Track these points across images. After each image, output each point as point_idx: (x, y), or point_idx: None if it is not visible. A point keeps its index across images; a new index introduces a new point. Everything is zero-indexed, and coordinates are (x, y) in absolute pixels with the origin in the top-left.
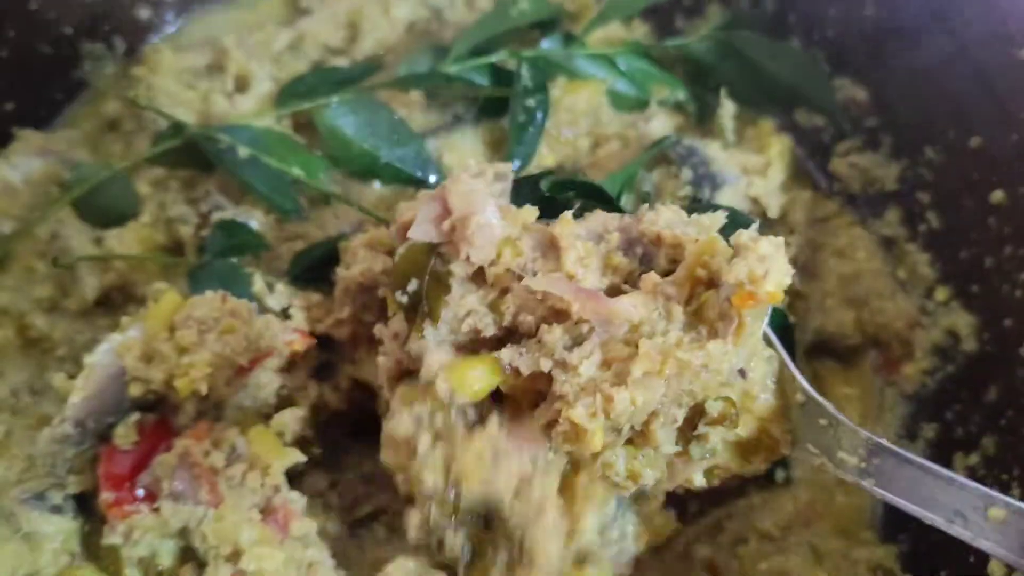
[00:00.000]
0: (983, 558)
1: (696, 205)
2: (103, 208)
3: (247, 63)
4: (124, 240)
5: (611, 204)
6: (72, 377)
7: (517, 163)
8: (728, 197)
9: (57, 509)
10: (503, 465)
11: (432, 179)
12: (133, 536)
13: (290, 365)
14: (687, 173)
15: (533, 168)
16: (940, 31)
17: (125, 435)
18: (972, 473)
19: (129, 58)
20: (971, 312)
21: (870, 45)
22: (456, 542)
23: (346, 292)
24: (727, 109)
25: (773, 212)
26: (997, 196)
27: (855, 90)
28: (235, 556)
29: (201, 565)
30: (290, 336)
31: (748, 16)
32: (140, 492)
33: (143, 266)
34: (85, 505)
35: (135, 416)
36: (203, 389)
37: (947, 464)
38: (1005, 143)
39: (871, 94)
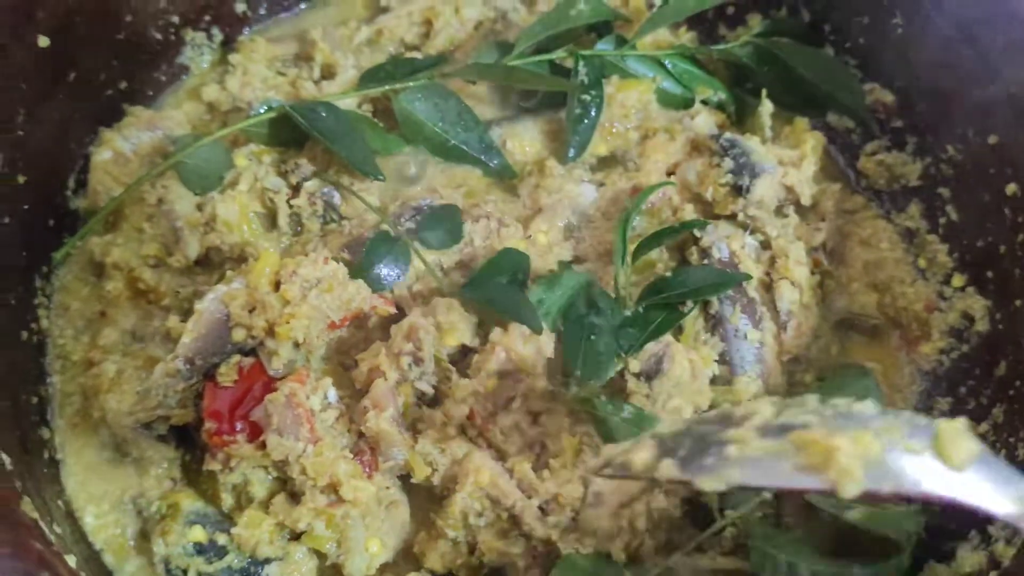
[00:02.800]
0: None
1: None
2: (202, 172)
3: (332, 53)
4: (224, 206)
5: None
6: (183, 321)
7: (573, 151)
8: (766, 184)
9: (162, 438)
10: None
11: (494, 162)
12: (230, 464)
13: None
14: (728, 163)
15: (587, 155)
16: (963, 40)
17: (226, 374)
18: (983, 439)
19: (226, 47)
20: (985, 296)
21: (898, 53)
22: None
23: None
24: (766, 107)
25: (806, 200)
26: (1011, 188)
27: (883, 94)
28: (330, 488)
29: (293, 495)
30: (376, 301)
31: (786, 25)
32: (239, 425)
33: (239, 230)
34: (187, 438)
35: (236, 358)
36: (300, 337)
37: None
38: (1020, 140)
39: (898, 98)
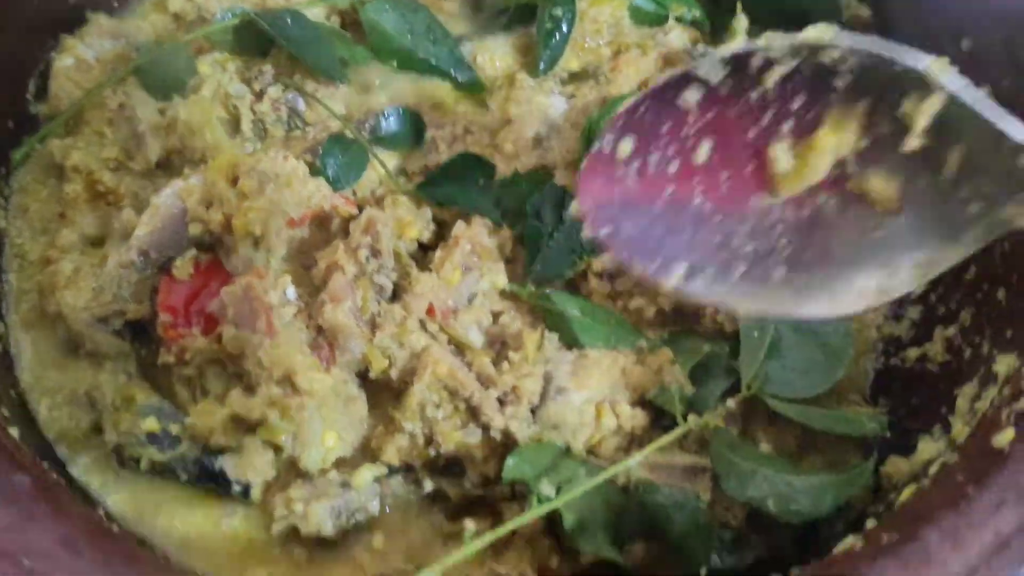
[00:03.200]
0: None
1: None
2: (164, 77)
3: None
4: (186, 109)
5: None
6: (138, 216)
7: (543, 65)
8: None
9: (118, 334)
10: None
11: (463, 76)
12: (184, 357)
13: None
14: None
15: (559, 69)
16: None
17: (182, 267)
18: (950, 343)
19: None
20: None
21: None
22: None
23: None
24: (740, 22)
25: None
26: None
27: (860, 8)
28: (286, 380)
29: (249, 389)
30: (337, 200)
31: None
32: (195, 319)
33: (202, 133)
34: (142, 335)
35: (192, 252)
36: (257, 231)
37: (928, 337)
38: (996, 48)
39: (874, 14)
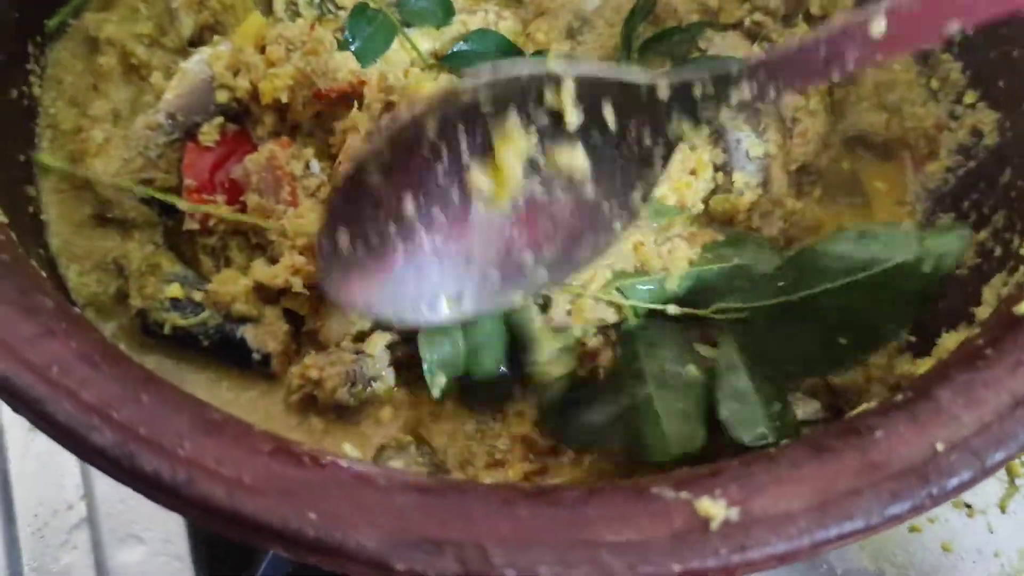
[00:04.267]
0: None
1: None
2: None
3: None
4: None
5: None
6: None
7: None
8: None
9: (145, 202)
10: None
11: None
12: (208, 224)
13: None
14: None
15: None
16: None
17: (208, 133)
18: (982, 247)
19: None
20: (995, 108)
21: None
22: None
23: None
24: None
25: (815, 8)
26: None
27: None
28: (309, 250)
29: (273, 260)
30: (366, 77)
31: None
32: (219, 186)
33: (234, 10)
34: (170, 209)
35: (219, 120)
36: (284, 97)
37: None
38: None
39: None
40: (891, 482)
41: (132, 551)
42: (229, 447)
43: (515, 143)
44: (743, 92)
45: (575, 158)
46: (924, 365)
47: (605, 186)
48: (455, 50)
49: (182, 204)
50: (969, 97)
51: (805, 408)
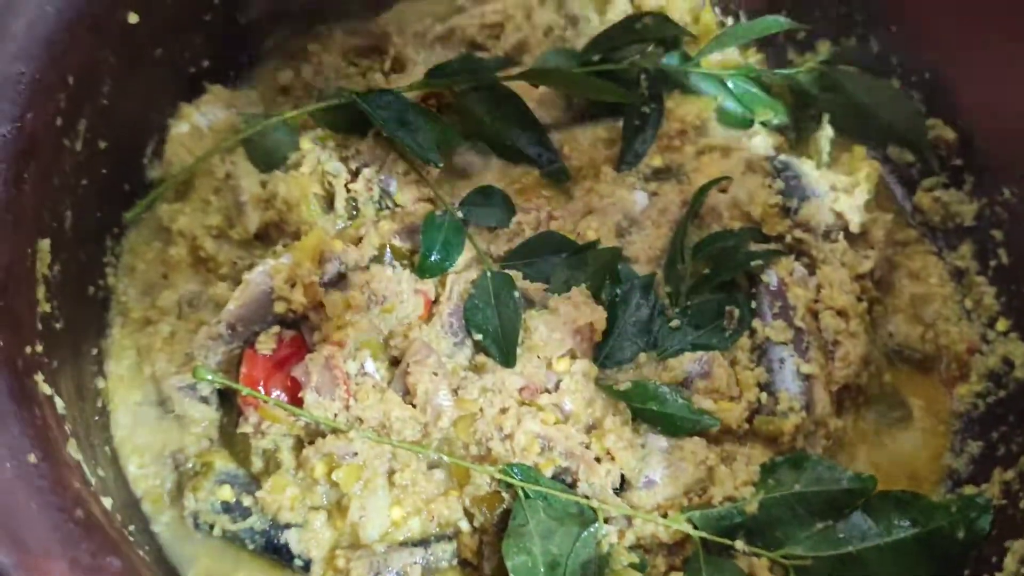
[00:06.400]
0: None
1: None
2: (268, 151)
3: (404, 48)
4: (285, 185)
5: None
6: (231, 290)
7: (628, 161)
8: (814, 207)
9: (204, 400)
10: None
11: (550, 164)
12: (262, 428)
13: None
14: (779, 184)
15: (642, 165)
16: None
17: (265, 342)
18: (1008, 487)
19: (307, 35)
20: None
21: (963, 91)
22: None
23: None
24: (826, 132)
25: (854, 227)
26: None
27: (945, 130)
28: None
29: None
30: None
31: (854, 54)
32: (274, 392)
33: (298, 209)
34: (227, 402)
35: (276, 328)
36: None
37: (986, 477)
38: None
39: (959, 136)
40: None
41: None
42: None
43: None
44: None
45: None
46: None
47: None
48: (515, 251)
49: (244, 391)
50: (1002, 325)
51: None
